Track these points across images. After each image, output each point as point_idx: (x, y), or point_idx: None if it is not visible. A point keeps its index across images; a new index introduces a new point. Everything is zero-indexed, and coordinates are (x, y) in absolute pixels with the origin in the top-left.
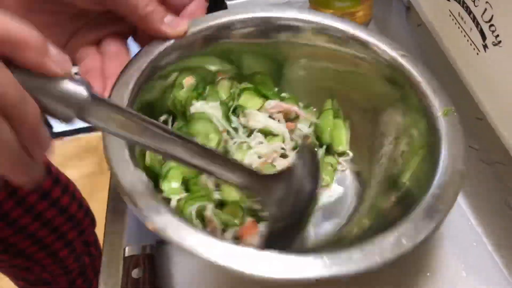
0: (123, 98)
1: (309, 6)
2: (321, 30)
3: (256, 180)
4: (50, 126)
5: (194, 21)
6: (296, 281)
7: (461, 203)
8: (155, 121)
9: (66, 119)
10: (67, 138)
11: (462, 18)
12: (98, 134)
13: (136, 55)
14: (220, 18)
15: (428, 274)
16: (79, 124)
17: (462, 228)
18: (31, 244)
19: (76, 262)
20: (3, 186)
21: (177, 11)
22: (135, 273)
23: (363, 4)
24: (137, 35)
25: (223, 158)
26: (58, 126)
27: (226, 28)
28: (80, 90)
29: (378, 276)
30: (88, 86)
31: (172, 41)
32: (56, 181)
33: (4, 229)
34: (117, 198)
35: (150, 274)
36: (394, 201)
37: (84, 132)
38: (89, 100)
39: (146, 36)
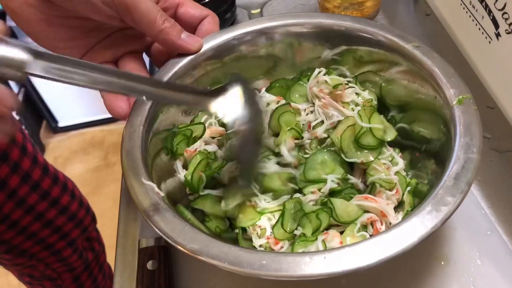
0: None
1: None
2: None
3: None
4: (56, 121)
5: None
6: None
7: (474, 191)
8: (96, 65)
9: (17, 80)
10: (72, 133)
11: (473, 7)
12: (104, 128)
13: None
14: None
15: (442, 263)
16: (84, 118)
17: (476, 217)
18: (33, 244)
19: (80, 259)
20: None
21: (188, 29)
22: (150, 264)
23: None
24: (150, 51)
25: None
26: (63, 121)
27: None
28: (17, 54)
29: (393, 266)
30: (26, 47)
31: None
32: (55, 180)
33: (6, 231)
34: None
35: (165, 266)
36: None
37: (89, 126)
38: (30, 60)
39: (160, 52)
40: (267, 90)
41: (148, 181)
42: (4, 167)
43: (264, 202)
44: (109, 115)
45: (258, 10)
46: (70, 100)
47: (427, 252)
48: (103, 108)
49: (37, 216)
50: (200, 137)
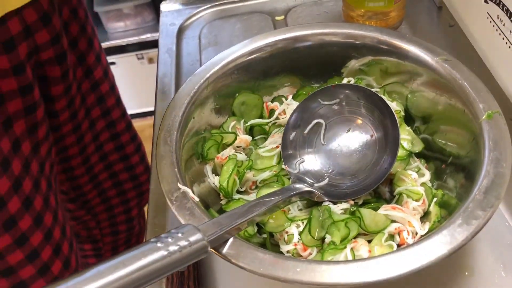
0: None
1: (342, 6)
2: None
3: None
4: None
5: None
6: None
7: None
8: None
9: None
10: None
11: (501, 21)
12: None
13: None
14: None
15: (466, 273)
16: None
17: (500, 229)
18: (96, 195)
19: (125, 223)
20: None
21: None
22: None
23: (396, 4)
24: None
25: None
26: None
27: None
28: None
29: (417, 275)
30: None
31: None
32: (134, 138)
33: (84, 175)
34: (159, 193)
35: (194, 268)
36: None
37: None
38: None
39: None
40: (294, 98)
41: (183, 185)
42: (97, 109)
43: (296, 209)
44: None
45: (282, 17)
46: None
47: (451, 263)
48: None
49: (107, 165)
50: (230, 144)
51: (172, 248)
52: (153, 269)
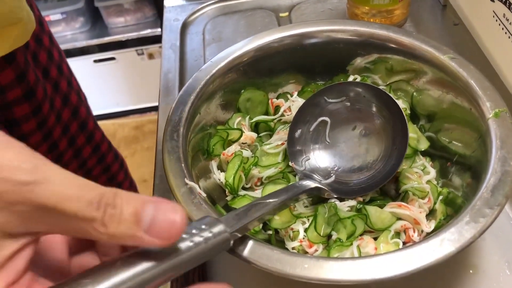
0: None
1: (347, 3)
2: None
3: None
4: None
5: None
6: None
7: None
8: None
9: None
10: None
11: (507, 20)
12: (115, 121)
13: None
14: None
15: (471, 271)
16: (96, 111)
17: (505, 228)
18: None
19: None
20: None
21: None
22: None
23: (401, 2)
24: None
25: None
26: None
27: None
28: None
29: (422, 274)
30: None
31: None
32: (116, 155)
33: None
34: (164, 188)
35: None
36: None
37: (100, 119)
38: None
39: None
40: (299, 95)
41: (190, 181)
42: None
43: (302, 206)
44: (120, 109)
45: (286, 14)
46: None
47: (456, 261)
48: (114, 101)
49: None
50: (236, 141)
51: (197, 239)
52: (181, 260)
